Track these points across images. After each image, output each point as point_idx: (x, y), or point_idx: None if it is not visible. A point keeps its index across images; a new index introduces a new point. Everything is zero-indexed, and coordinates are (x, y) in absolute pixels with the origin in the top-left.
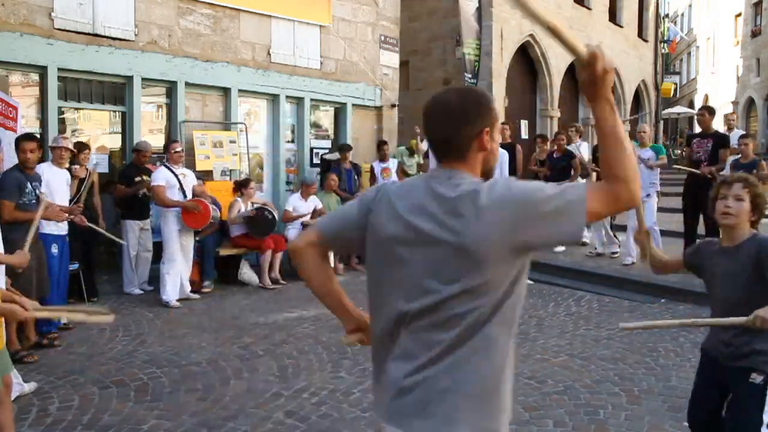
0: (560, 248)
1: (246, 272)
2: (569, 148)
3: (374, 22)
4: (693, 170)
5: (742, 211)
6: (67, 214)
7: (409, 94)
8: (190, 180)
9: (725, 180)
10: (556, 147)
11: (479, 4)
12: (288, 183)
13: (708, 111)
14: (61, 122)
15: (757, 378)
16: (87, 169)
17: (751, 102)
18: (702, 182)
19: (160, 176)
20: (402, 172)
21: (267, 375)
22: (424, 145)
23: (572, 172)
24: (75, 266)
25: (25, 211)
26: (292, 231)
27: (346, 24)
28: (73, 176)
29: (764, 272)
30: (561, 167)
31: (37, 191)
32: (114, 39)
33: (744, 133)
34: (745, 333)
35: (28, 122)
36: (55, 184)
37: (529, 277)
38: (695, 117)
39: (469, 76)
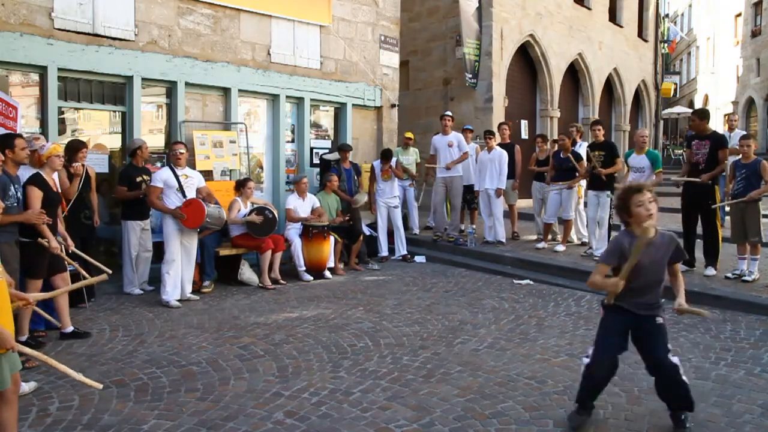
0: (561, 248)
1: (246, 272)
2: (575, 149)
3: (374, 22)
4: (694, 180)
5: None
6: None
7: (410, 94)
8: (193, 182)
9: (637, 189)
10: (563, 147)
11: (479, 4)
12: (288, 183)
13: (698, 116)
14: (61, 122)
15: (659, 320)
16: (84, 167)
17: (751, 102)
18: (700, 184)
19: (159, 177)
20: (402, 170)
21: (267, 375)
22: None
23: (577, 174)
24: (72, 268)
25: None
26: (292, 231)
27: (346, 24)
28: (73, 175)
29: (675, 257)
30: (567, 168)
31: (19, 194)
32: (114, 39)
33: (745, 133)
34: (655, 298)
35: (28, 122)
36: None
37: (529, 278)
38: (689, 121)
39: (470, 75)
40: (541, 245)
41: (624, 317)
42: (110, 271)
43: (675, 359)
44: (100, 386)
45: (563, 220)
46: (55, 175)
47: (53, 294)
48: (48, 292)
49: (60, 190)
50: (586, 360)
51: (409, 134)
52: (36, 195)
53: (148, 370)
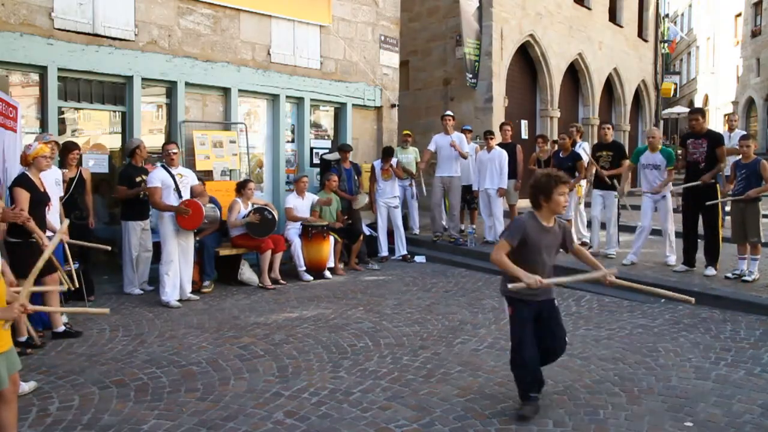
0: None
1: (246, 272)
2: (575, 149)
3: (374, 22)
4: (695, 183)
5: None
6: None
7: (409, 94)
8: (188, 180)
9: (564, 180)
10: (562, 147)
11: (479, 4)
12: (288, 183)
13: (702, 114)
14: (61, 122)
15: (555, 302)
16: (77, 169)
17: (751, 102)
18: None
19: (156, 177)
20: (402, 169)
21: (267, 375)
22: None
23: (577, 174)
24: (76, 265)
25: None
26: (292, 231)
27: (346, 24)
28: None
29: (566, 242)
30: (567, 167)
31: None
32: (114, 39)
33: (745, 133)
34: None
35: (28, 122)
36: (46, 183)
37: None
38: (689, 121)
39: (470, 75)
40: None
41: (530, 307)
42: (109, 248)
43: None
44: (107, 311)
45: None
46: (54, 174)
47: (46, 309)
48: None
49: (47, 191)
50: (513, 343)
51: (407, 132)
52: (23, 196)
53: (148, 370)
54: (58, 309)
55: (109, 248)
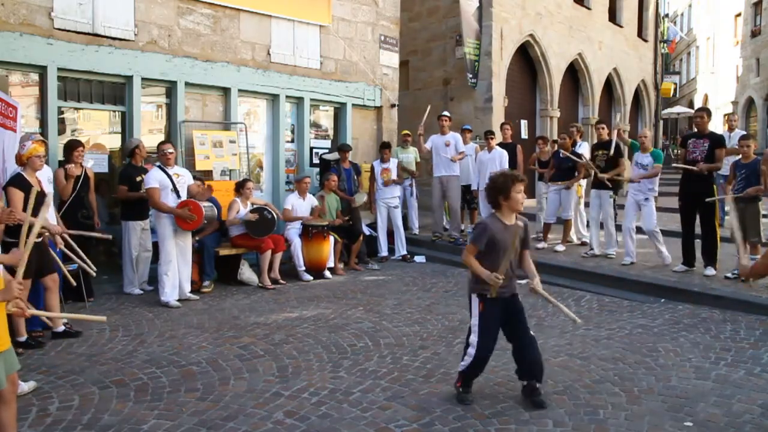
0: (561, 248)
1: (245, 272)
2: (575, 149)
3: (374, 21)
4: (690, 168)
5: None
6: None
7: (409, 94)
8: (185, 180)
9: (521, 179)
10: (562, 147)
11: (479, 4)
12: (288, 183)
13: (707, 113)
14: (61, 122)
15: (519, 296)
16: (83, 167)
17: (750, 102)
18: (697, 183)
19: (153, 178)
20: (402, 169)
21: (267, 375)
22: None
23: (576, 173)
24: (74, 267)
25: None
26: (292, 231)
27: (346, 24)
28: (68, 175)
29: (525, 240)
30: (567, 167)
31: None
32: (114, 39)
33: (745, 133)
34: (512, 277)
35: (27, 122)
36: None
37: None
38: (694, 118)
39: (470, 75)
40: (541, 245)
41: (499, 306)
42: (110, 236)
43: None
44: (104, 318)
45: (563, 220)
46: (46, 173)
47: (48, 314)
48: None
49: (45, 190)
50: (472, 351)
51: (407, 132)
52: (17, 197)
53: (148, 370)
54: (54, 315)
55: (110, 237)
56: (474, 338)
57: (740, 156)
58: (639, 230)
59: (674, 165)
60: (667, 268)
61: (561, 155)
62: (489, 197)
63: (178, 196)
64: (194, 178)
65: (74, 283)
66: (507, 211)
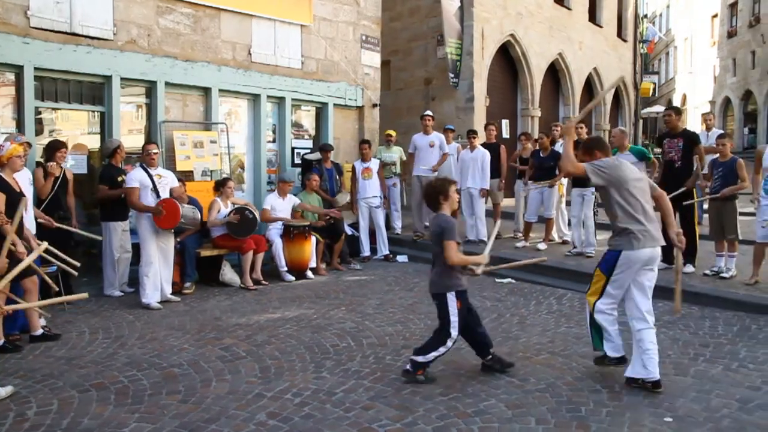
0: (542, 246)
1: (227, 273)
2: (555, 148)
3: (355, 21)
4: (680, 191)
5: None
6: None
7: (391, 94)
8: (167, 181)
9: (453, 182)
10: (542, 146)
11: (461, 4)
12: (269, 183)
13: (675, 111)
14: (39, 122)
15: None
16: (62, 168)
17: (727, 101)
18: (678, 181)
19: (134, 178)
20: (382, 165)
21: (249, 376)
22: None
23: (558, 172)
24: (53, 269)
25: None
26: (274, 231)
27: (327, 23)
28: (48, 174)
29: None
30: (548, 166)
31: None
32: (92, 38)
33: (722, 132)
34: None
35: (4, 122)
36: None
37: (511, 276)
38: (663, 117)
39: (452, 75)
40: (521, 244)
41: (466, 295)
42: (78, 264)
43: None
44: (86, 295)
45: (544, 219)
46: (26, 174)
47: (24, 306)
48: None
49: (23, 191)
50: (450, 343)
51: (389, 132)
52: None
53: (128, 372)
54: (34, 304)
55: (101, 238)
56: (454, 332)
57: (717, 155)
58: None
59: (700, 200)
60: None
61: (541, 155)
62: (430, 199)
63: (159, 197)
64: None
65: (56, 288)
66: (447, 209)
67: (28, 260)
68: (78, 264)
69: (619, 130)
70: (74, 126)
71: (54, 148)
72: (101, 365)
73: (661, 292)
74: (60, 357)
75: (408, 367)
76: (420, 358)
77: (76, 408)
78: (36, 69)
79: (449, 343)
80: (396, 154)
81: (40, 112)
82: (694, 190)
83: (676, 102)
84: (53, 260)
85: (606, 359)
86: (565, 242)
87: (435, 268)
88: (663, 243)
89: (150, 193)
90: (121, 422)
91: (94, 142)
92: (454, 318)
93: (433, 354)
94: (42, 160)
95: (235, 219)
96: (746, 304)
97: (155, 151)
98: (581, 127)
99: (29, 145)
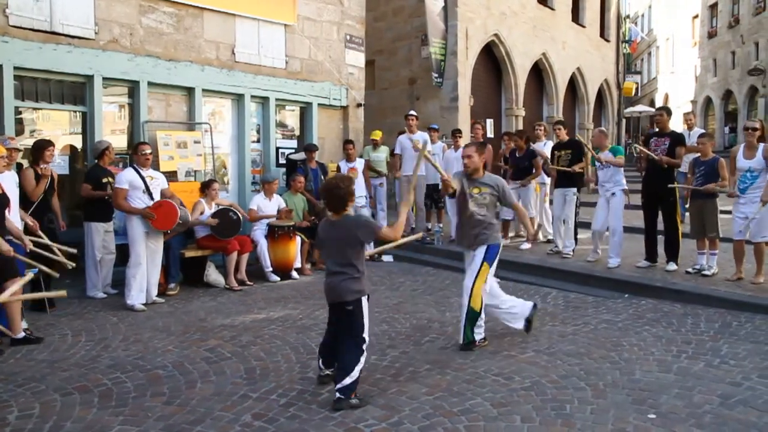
0: (526, 245)
1: (212, 274)
2: (534, 147)
3: (339, 21)
4: (650, 154)
5: None
6: None
7: (375, 94)
8: (158, 183)
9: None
10: (518, 147)
11: (445, 4)
12: (254, 183)
13: (666, 112)
14: (19, 122)
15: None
16: (51, 169)
17: (709, 101)
18: (659, 182)
19: (124, 178)
20: (369, 168)
21: (234, 377)
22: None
23: (534, 170)
24: (35, 271)
25: None
26: (258, 231)
27: (312, 23)
28: (41, 176)
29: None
30: (524, 166)
31: None
32: (73, 37)
33: (703, 132)
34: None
35: None
36: (5, 185)
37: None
38: (654, 117)
39: (436, 75)
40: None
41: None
42: (73, 264)
43: None
44: (64, 293)
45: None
46: (10, 176)
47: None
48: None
49: (5, 192)
50: (367, 336)
51: (375, 136)
52: None
53: (112, 375)
54: (13, 298)
55: (75, 251)
56: (367, 336)
57: (699, 153)
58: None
59: (637, 147)
60: (631, 264)
61: (517, 155)
62: (340, 201)
63: (151, 198)
64: None
65: (73, 250)
66: (351, 210)
67: (22, 281)
68: (74, 251)
69: (598, 130)
70: (55, 126)
71: (41, 148)
72: (84, 368)
73: (642, 289)
74: (42, 360)
75: (338, 395)
76: (348, 381)
77: (59, 411)
78: (15, 68)
79: (364, 347)
80: (383, 154)
81: (20, 112)
82: (675, 187)
83: (659, 101)
84: (46, 253)
85: (473, 344)
86: (549, 240)
87: (342, 275)
88: None
89: (142, 195)
90: (104, 425)
91: (75, 143)
92: (366, 321)
93: (358, 367)
94: (26, 162)
95: (213, 222)
96: (727, 301)
97: (149, 151)
98: (559, 129)
99: (18, 150)
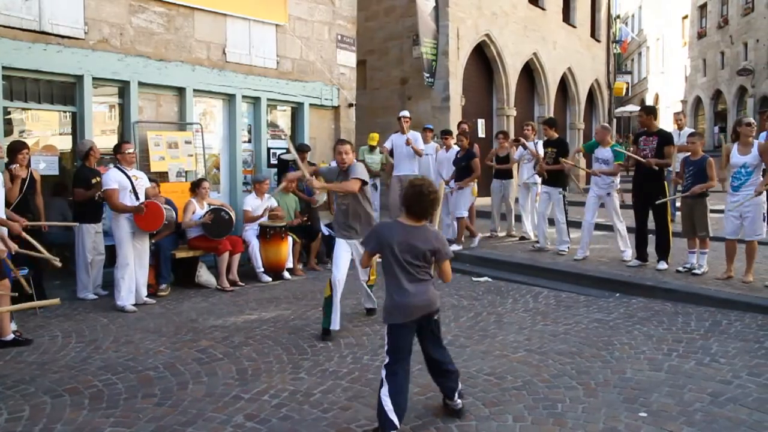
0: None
1: (203, 274)
2: (528, 145)
3: (331, 21)
4: (639, 159)
5: None
6: None
7: (367, 94)
8: (142, 183)
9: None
10: (461, 147)
11: (436, 4)
12: (245, 184)
13: (645, 111)
14: (8, 123)
15: None
16: (28, 169)
17: (698, 101)
18: (650, 179)
19: (112, 179)
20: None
21: (226, 378)
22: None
23: (472, 173)
24: (25, 272)
25: None
26: (250, 232)
27: (303, 23)
28: (14, 176)
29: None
30: (461, 167)
31: None
32: (62, 37)
33: (693, 131)
34: None
35: None
36: None
37: (487, 275)
38: (638, 117)
39: (428, 75)
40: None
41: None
42: (58, 260)
43: None
44: (58, 300)
45: (457, 217)
46: None
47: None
48: None
49: None
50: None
51: (372, 140)
52: None
53: (103, 376)
54: (5, 309)
55: (57, 260)
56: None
57: (689, 153)
58: (597, 226)
59: (627, 153)
60: (621, 263)
61: (458, 155)
62: (427, 208)
63: (138, 198)
64: (149, 180)
65: (29, 290)
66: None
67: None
68: (57, 260)
69: (601, 126)
70: (45, 126)
71: (15, 150)
72: (75, 370)
73: (633, 288)
74: (32, 362)
75: (461, 401)
76: (460, 383)
77: (49, 414)
78: (4, 68)
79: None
80: (378, 157)
81: (9, 113)
82: (665, 186)
83: (649, 101)
84: (33, 254)
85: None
86: (522, 238)
87: (426, 283)
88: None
89: (129, 195)
90: (95, 427)
91: (65, 143)
92: None
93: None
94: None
95: (209, 219)
96: (718, 299)
97: (131, 150)
98: (546, 129)
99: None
